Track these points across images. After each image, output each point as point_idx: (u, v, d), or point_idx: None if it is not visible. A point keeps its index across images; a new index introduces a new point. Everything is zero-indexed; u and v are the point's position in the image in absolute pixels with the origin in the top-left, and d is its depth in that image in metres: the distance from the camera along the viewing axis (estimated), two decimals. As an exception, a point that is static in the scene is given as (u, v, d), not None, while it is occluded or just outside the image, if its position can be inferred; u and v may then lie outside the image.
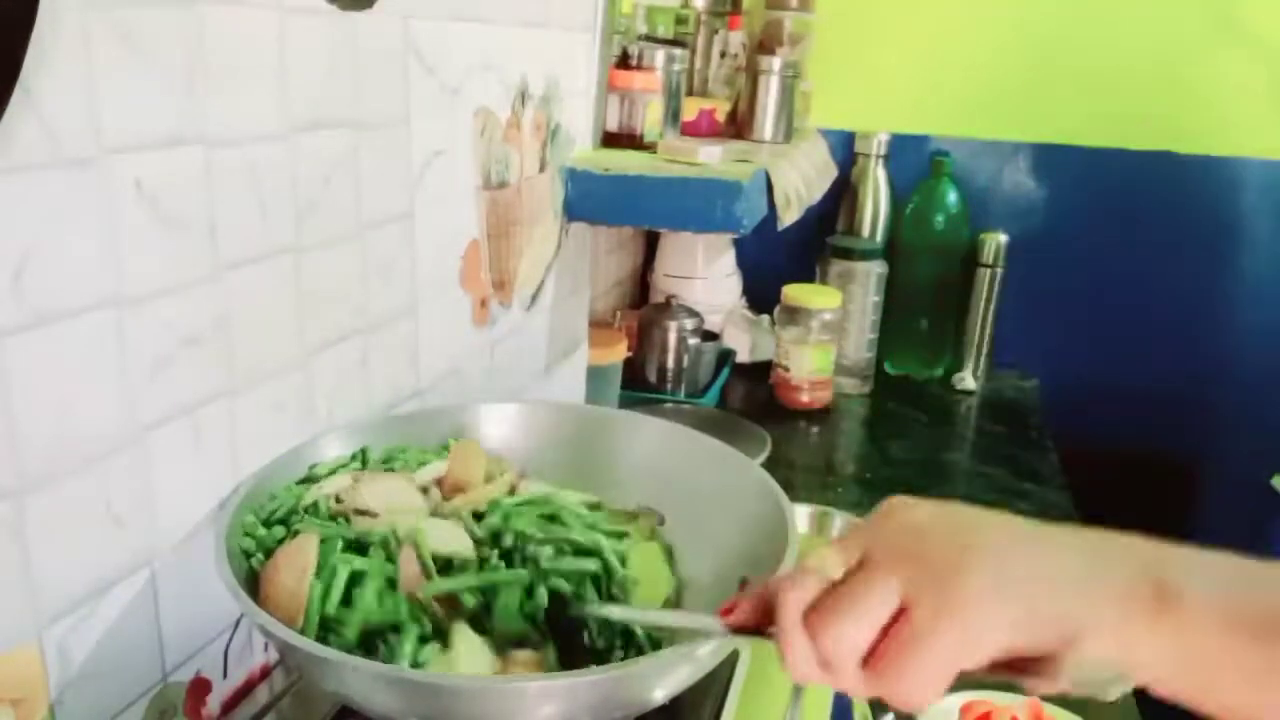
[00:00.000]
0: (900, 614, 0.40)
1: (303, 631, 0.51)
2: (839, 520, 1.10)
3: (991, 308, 1.65)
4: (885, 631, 0.40)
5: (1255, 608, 0.39)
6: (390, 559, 0.56)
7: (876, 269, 1.57)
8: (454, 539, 0.58)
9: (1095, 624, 0.39)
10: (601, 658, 0.55)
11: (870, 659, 0.40)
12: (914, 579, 0.40)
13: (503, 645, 0.54)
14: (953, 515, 0.44)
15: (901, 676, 0.39)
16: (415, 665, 0.51)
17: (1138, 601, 0.40)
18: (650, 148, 1.14)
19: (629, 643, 0.56)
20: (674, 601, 0.62)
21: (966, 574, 0.40)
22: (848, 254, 1.57)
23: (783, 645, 0.42)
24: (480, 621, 0.54)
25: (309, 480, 0.63)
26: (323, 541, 0.55)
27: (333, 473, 0.64)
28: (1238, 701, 0.39)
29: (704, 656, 0.52)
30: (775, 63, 1.40)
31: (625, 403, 1.31)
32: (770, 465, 1.19)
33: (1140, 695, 0.89)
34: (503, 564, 0.57)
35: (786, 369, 1.49)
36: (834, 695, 0.65)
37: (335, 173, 0.67)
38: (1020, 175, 1.71)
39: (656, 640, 0.56)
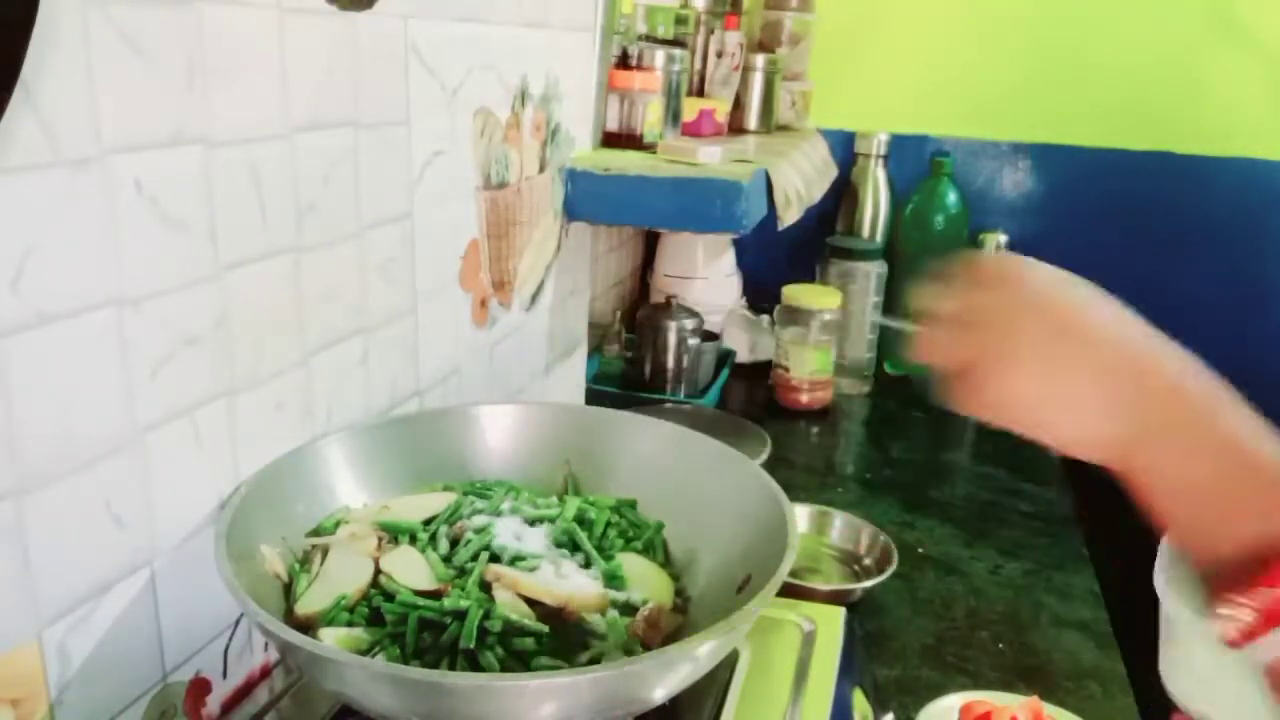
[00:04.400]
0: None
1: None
2: (839, 520, 1.10)
3: (991, 308, 1.65)
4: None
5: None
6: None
7: (876, 269, 1.57)
8: (416, 568, 0.59)
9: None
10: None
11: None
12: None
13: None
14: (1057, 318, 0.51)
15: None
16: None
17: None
18: (650, 148, 1.14)
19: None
20: (681, 607, 0.63)
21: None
22: (848, 254, 1.57)
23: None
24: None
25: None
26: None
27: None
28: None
29: (704, 656, 0.52)
30: (760, 60, 1.49)
31: (625, 403, 1.31)
32: (770, 465, 1.19)
33: (1141, 697, 0.89)
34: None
35: (786, 369, 1.49)
36: (834, 696, 0.65)
37: (335, 173, 0.67)
38: (1020, 175, 1.71)
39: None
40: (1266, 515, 0.45)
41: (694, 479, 0.69)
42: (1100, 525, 1.28)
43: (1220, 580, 0.45)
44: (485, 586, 0.57)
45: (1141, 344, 0.51)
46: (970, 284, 0.53)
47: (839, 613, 0.73)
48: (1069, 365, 0.50)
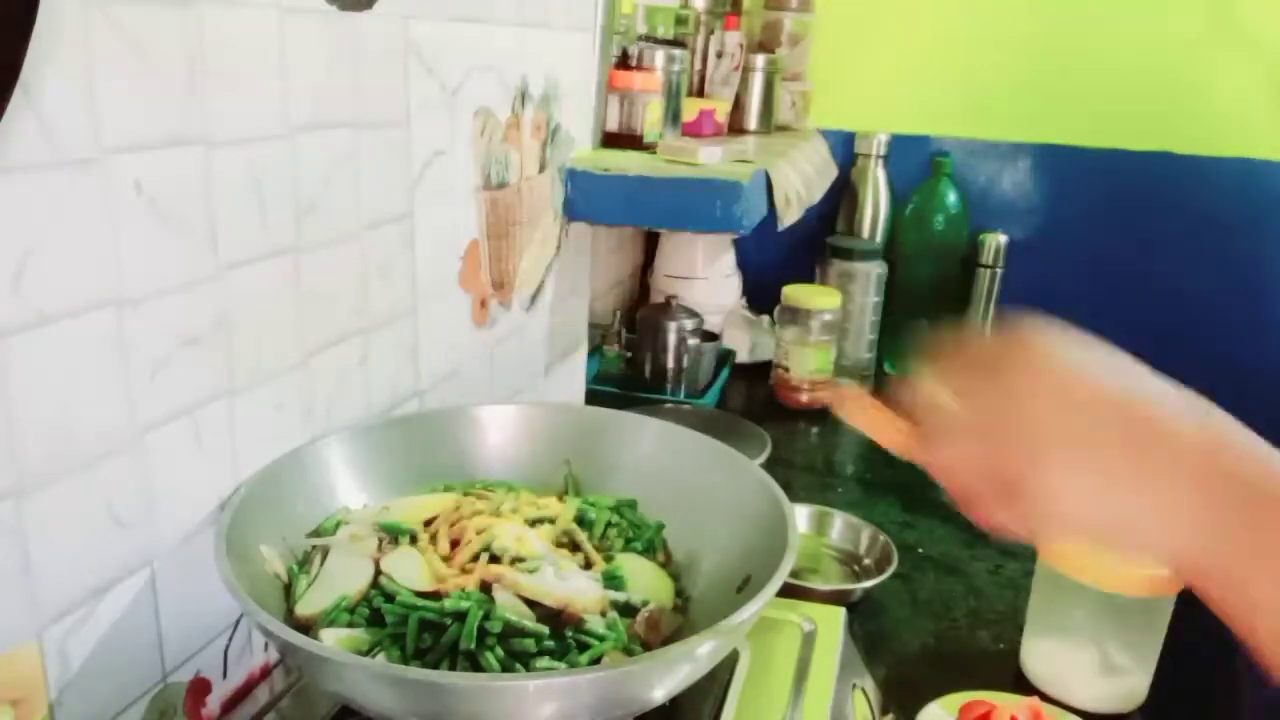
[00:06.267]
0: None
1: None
2: (839, 520, 1.10)
3: (991, 308, 1.65)
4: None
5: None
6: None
7: (876, 269, 1.57)
8: (416, 569, 0.60)
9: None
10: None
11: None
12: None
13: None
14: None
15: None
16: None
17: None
18: (650, 148, 1.14)
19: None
20: (681, 608, 0.63)
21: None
22: (848, 254, 1.57)
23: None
24: None
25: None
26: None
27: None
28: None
29: (704, 656, 0.52)
30: (760, 60, 1.49)
31: (625, 403, 1.31)
32: (770, 465, 1.19)
33: (1145, 700, 0.89)
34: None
35: (786, 369, 1.49)
36: (834, 696, 0.65)
37: (335, 173, 0.67)
38: (1020, 175, 1.71)
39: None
40: None
41: (694, 479, 0.69)
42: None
43: None
44: (485, 587, 0.58)
45: (1202, 426, 0.43)
46: (974, 370, 0.44)
47: (839, 613, 0.73)
48: (1128, 464, 0.41)
